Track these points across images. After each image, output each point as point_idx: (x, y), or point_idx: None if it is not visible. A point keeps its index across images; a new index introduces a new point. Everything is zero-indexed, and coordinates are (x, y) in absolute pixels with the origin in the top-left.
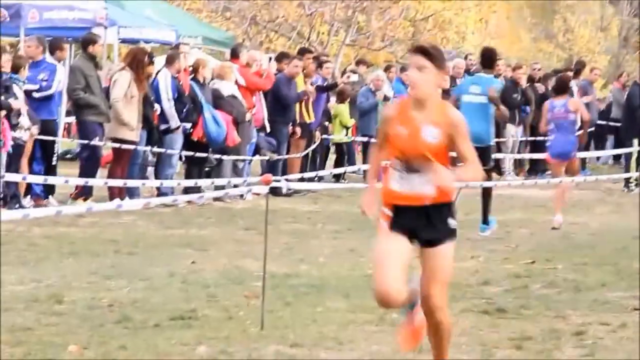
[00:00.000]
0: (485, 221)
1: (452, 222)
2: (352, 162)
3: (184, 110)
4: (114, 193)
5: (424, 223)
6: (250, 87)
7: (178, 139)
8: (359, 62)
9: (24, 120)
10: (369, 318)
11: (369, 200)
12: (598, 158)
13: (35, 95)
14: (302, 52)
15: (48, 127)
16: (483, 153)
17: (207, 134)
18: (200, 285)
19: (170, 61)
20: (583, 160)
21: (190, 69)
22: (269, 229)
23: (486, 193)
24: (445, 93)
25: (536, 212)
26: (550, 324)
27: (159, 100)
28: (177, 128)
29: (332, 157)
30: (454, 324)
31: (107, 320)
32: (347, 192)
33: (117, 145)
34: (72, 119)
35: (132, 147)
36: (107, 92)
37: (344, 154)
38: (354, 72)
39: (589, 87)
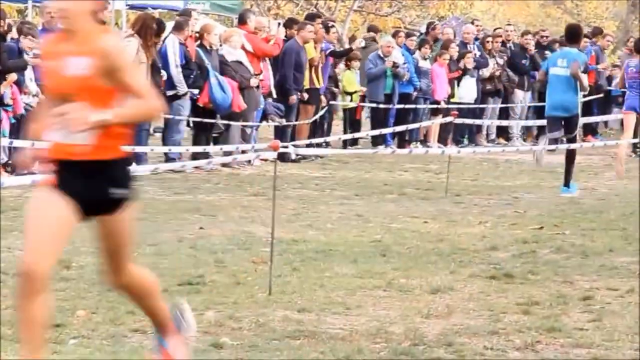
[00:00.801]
0: (567, 184)
1: (115, 191)
2: (355, 129)
3: (192, 76)
4: None
5: (82, 184)
6: (257, 53)
7: (185, 105)
8: (370, 29)
9: (32, 86)
10: (377, 283)
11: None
12: (606, 124)
13: None
14: (311, 17)
15: None
16: (569, 122)
17: (213, 100)
18: (208, 251)
19: (178, 27)
20: (593, 127)
21: (197, 35)
22: (276, 195)
23: (570, 157)
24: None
25: (544, 178)
26: (557, 289)
27: (166, 67)
28: (185, 94)
29: (339, 123)
30: (461, 290)
31: None
32: (355, 157)
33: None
34: None
35: None
36: None
37: (347, 120)
38: (372, 39)
39: (601, 53)
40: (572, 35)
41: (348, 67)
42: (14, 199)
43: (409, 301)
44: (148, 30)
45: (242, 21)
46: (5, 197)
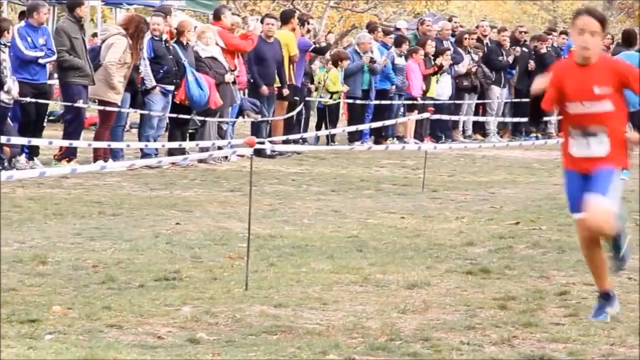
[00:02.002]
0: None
1: None
2: (334, 125)
3: (161, 71)
4: (99, 154)
5: None
6: (229, 49)
7: (157, 99)
8: (369, 27)
9: (9, 83)
10: (353, 278)
11: None
12: None
13: (41, 61)
14: (287, 13)
15: (46, 90)
16: (634, 116)
17: (190, 96)
18: (184, 247)
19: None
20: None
21: (175, 31)
22: (253, 191)
23: None
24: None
25: (521, 173)
26: (534, 284)
27: None
28: (153, 88)
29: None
30: (438, 285)
31: (92, 281)
32: (332, 153)
33: (102, 107)
34: (54, 81)
35: (116, 109)
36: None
37: (327, 117)
38: None
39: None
40: (627, 40)
41: (335, 65)
42: None
43: (386, 296)
44: (140, 33)
45: (216, 17)
46: None
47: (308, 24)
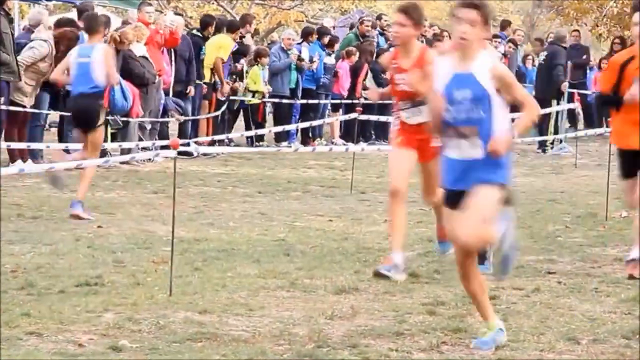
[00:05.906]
0: None
1: None
2: (259, 125)
3: None
4: (15, 155)
5: None
6: (165, 46)
7: None
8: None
9: None
10: (281, 283)
11: None
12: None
13: None
14: (234, 24)
15: None
16: None
17: (113, 105)
18: (106, 251)
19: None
20: None
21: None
22: (177, 192)
23: None
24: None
25: None
26: (463, 288)
27: None
28: None
29: (241, 118)
30: (366, 290)
31: (10, 287)
32: (258, 154)
33: (13, 108)
34: None
35: (23, 109)
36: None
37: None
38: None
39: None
40: None
41: (257, 62)
42: None
43: (313, 302)
44: (68, 50)
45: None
46: None
47: (250, 25)
